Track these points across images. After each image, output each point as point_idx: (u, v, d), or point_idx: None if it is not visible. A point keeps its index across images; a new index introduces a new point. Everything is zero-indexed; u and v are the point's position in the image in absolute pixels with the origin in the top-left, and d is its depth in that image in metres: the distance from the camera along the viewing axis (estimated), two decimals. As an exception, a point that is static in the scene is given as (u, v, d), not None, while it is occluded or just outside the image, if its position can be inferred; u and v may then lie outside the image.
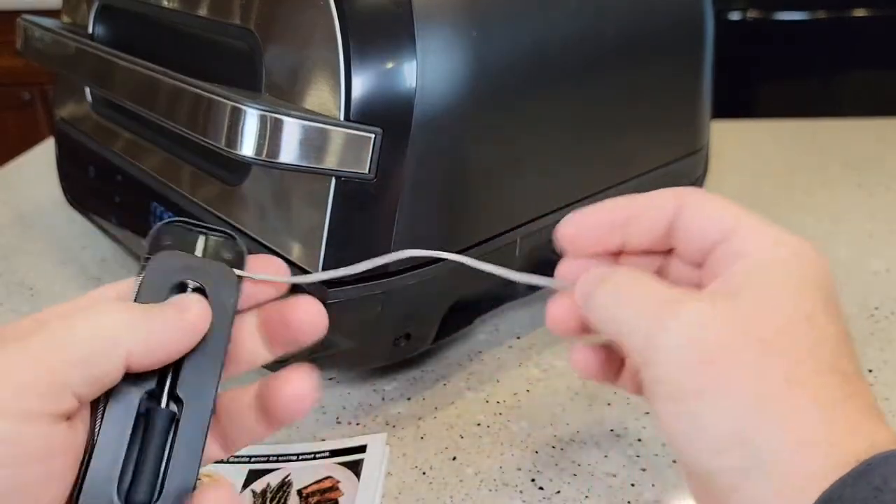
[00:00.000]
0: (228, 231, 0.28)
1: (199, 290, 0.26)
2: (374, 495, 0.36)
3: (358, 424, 0.42)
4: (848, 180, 0.74)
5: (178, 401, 0.25)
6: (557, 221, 0.48)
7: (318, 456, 0.39)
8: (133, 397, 0.24)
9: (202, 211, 0.45)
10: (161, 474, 0.24)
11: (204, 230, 0.28)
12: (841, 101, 1.51)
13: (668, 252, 0.29)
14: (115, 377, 0.23)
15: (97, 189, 0.57)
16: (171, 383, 0.25)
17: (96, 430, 0.24)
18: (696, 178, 0.55)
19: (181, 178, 0.47)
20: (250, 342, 0.28)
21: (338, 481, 0.37)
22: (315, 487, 0.36)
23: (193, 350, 0.25)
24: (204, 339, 0.25)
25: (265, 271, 0.28)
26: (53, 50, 0.51)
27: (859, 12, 1.44)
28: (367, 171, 0.36)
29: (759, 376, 0.22)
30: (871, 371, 0.45)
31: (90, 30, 0.54)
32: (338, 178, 0.36)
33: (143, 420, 0.25)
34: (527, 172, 0.43)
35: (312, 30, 0.36)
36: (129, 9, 0.51)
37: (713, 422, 0.23)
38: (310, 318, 0.27)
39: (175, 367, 0.25)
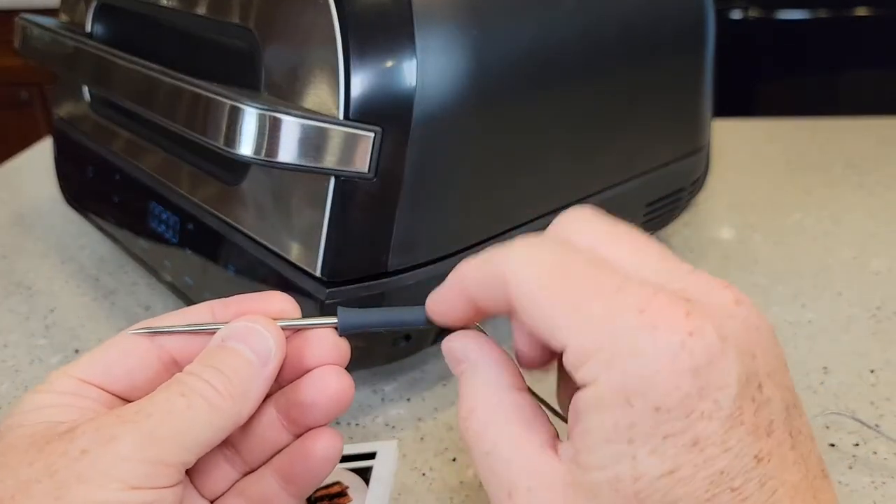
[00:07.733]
0: None
1: None
2: (382, 503, 0.36)
3: (357, 425, 0.42)
4: (848, 180, 0.73)
5: None
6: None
7: None
8: None
9: (201, 210, 0.45)
10: None
11: None
12: (841, 100, 1.51)
13: None
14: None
15: (96, 189, 0.57)
16: None
17: None
18: (697, 178, 0.55)
19: (180, 178, 0.47)
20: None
21: (346, 487, 0.36)
22: (324, 492, 0.36)
23: None
24: None
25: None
26: (52, 49, 0.51)
27: (860, 11, 1.44)
28: (366, 170, 0.36)
29: None
30: (872, 371, 0.45)
31: (88, 29, 0.54)
32: (337, 177, 0.36)
33: None
34: (527, 172, 0.43)
35: (312, 29, 0.36)
36: (127, 8, 0.51)
37: None
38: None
39: None
